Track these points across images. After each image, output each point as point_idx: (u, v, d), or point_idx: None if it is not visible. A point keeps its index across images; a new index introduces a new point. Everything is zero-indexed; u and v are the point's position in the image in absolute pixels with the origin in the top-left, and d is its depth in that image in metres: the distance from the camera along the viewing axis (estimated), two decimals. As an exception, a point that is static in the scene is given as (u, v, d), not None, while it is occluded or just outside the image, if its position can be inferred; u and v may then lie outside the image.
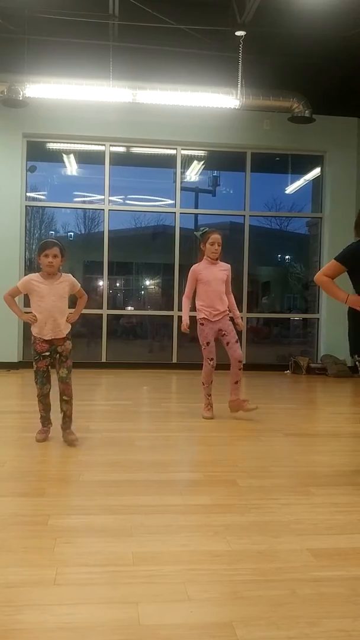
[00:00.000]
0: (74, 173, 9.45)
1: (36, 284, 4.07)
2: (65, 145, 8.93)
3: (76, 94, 7.16)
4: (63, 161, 9.21)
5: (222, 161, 9.57)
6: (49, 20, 6.47)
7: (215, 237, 5.05)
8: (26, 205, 8.68)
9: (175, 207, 9.02)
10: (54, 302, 4.06)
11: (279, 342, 10.16)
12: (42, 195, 9.31)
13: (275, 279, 10.87)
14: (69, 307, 4.18)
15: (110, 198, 8.90)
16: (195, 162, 9.27)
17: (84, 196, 9.43)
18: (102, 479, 3.33)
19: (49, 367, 4.13)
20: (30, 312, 4.09)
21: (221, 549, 2.38)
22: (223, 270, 5.14)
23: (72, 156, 9.15)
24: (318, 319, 9.23)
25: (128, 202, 9.43)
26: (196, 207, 9.58)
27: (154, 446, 4.18)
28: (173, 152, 8.94)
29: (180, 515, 2.76)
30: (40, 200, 9.28)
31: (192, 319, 5.14)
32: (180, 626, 1.81)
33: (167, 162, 9.04)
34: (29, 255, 8.73)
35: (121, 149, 9.02)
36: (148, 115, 8.19)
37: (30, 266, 8.41)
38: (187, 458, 4.03)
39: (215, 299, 5.06)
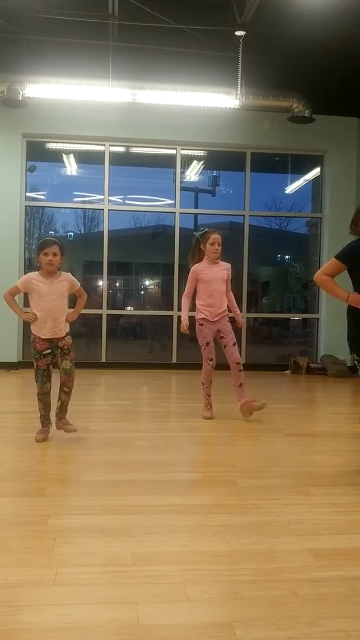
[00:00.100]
0: (74, 173, 9.44)
1: (36, 283, 4.07)
2: (65, 145, 8.93)
3: (76, 94, 7.16)
4: (63, 161, 9.21)
5: (222, 161, 9.57)
6: (49, 20, 6.47)
7: (215, 237, 5.04)
8: (26, 205, 8.68)
9: (175, 207, 9.01)
10: (54, 301, 4.06)
11: (279, 342, 10.16)
12: (42, 195, 9.31)
13: (275, 279, 10.88)
14: (68, 307, 4.18)
15: (110, 198, 8.89)
16: (195, 162, 9.27)
17: (83, 196, 9.43)
18: (102, 479, 3.33)
19: (50, 365, 4.14)
20: (30, 311, 4.09)
21: (221, 549, 2.38)
22: (224, 269, 5.13)
23: (71, 156, 9.15)
24: (318, 319, 9.23)
25: (128, 202, 9.43)
26: (196, 207, 9.59)
27: (154, 446, 4.18)
28: (173, 152, 8.93)
29: (180, 515, 2.76)
30: (40, 200, 9.27)
31: (192, 320, 5.13)
32: (180, 626, 1.81)
33: (166, 162, 9.04)
34: (28, 255, 8.73)
35: (121, 149, 9.02)
36: (148, 115, 8.19)
37: (30, 266, 8.41)
38: (186, 458, 4.03)
39: (216, 299, 5.05)
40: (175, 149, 8.89)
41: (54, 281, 4.08)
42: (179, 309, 8.57)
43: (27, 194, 8.74)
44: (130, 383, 7.47)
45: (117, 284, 10.32)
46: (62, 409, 4.14)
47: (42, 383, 4.14)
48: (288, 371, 8.73)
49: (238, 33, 6.59)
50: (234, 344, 5.05)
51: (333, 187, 8.99)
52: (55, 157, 9.12)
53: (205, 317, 5.05)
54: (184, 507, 2.89)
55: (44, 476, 3.43)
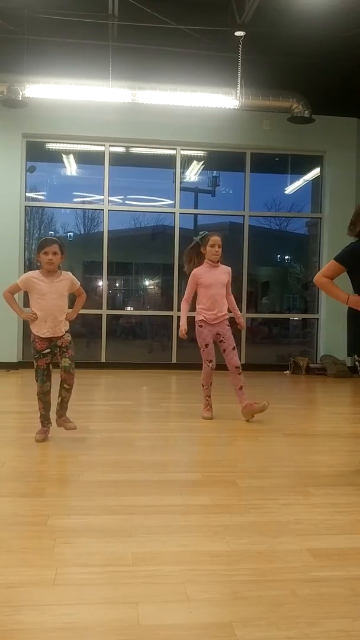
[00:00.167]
0: (74, 173, 9.44)
1: (36, 282, 4.07)
2: (65, 145, 8.93)
3: (76, 94, 7.16)
4: (62, 161, 9.21)
5: (222, 161, 9.57)
6: (49, 21, 6.47)
7: (215, 239, 5.04)
8: (25, 206, 8.68)
9: (174, 207, 9.01)
10: (54, 300, 4.06)
11: (279, 342, 10.16)
12: (42, 195, 9.31)
13: (275, 279, 10.88)
14: (68, 306, 4.19)
15: (110, 198, 8.89)
16: (194, 162, 9.27)
17: (83, 196, 9.43)
18: (102, 479, 3.33)
19: (50, 365, 4.14)
20: (30, 311, 4.09)
21: (221, 549, 2.38)
22: (224, 273, 5.13)
23: (71, 156, 9.15)
24: (317, 319, 9.23)
25: (127, 202, 9.43)
26: (196, 207, 9.59)
27: (154, 446, 4.18)
28: (172, 152, 8.93)
29: (180, 515, 2.76)
30: (39, 200, 9.28)
31: (191, 325, 5.10)
32: (180, 626, 1.81)
33: (166, 163, 9.04)
34: (28, 256, 8.73)
35: (121, 149, 9.02)
36: (147, 115, 8.19)
37: (30, 266, 8.40)
38: (186, 458, 4.03)
39: (216, 303, 5.04)
40: (175, 149, 8.89)
41: (54, 280, 4.09)
42: (179, 310, 8.58)
43: (27, 194, 8.74)
44: (130, 383, 7.47)
45: (117, 284, 10.32)
46: (63, 406, 4.14)
47: (42, 382, 4.14)
48: (288, 371, 8.73)
49: (238, 33, 6.59)
50: (233, 349, 5.04)
51: (333, 187, 8.99)
52: (55, 158, 9.13)
53: (204, 319, 5.04)
54: (183, 507, 2.89)
55: (43, 476, 3.43)
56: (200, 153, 9.20)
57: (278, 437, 4.50)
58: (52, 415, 4.24)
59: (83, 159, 9.23)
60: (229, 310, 5.15)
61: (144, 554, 2.32)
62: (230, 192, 9.93)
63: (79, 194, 9.48)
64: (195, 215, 9.60)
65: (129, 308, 10.24)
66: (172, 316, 8.87)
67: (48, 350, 4.09)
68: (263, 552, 2.37)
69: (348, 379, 8.12)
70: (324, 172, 9.16)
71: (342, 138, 8.90)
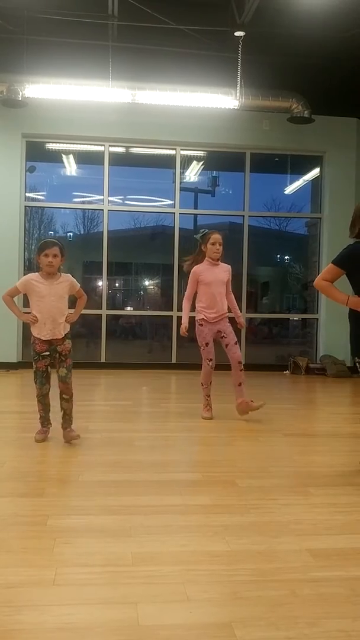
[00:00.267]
0: (73, 173, 9.44)
1: (36, 284, 4.06)
2: (65, 145, 8.93)
3: (75, 94, 7.16)
4: (62, 161, 9.21)
5: (222, 161, 9.57)
6: (48, 21, 6.47)
7: (216, 237, 5.04)
8: (25, 206, 8.67)
9: (174, 207, 9.01)
10: (54, 302, 4.05)
11: (278, 342, 10.17)
12: (42, 195, 9.31)
13: (275, 279, 10.88)
14: (68, 308, 4.18)
15: (110, 198, 8.89)
16: (194, 162, 9.27)
17: (83, 196, 9.43)
18: (102, 479, 3.33)
19: (49, 367, 4.13)
20: (30, 313, 4.09)
21: (220, 549, 2.39)
22: (224, 271, 5.13)
23: (71, 156, 9.15)
24: (317, 319, 9.23)
25: (127, 202, 9.43)
26: (195, 207, 9.58)
27: (154, 446, 4.18)
28: (172, 152, 8.93)
29: (180, 515, 2.76)
30: (39, 200, 9.27)
31: (191, 322, 5.12)
32: (180, 626, 1.81)
33: (166, 163, 9.04)
34: (28, 256, 8.73)
35: (120, 149, 9.02)
36: (147, 115, 8.19)
37: (30, 266, 8.41)
38: (186, 458, 4.03)
39: (216, 301, 5.05)
40: (175, 149, 8.89)
41: (53, 282, 4.08)
42: (179, 310, 8.55)
43: (27, 194, 8.74)
44: (130, 383, 7.47)
45: (117, 284, 10.32)
46: (66, 419, 4.11)
47: (41, 385, 4.13)
48: (287, 371, 8.73)
49: (237, 33, 6.59)
50: (235, 343, 5.06)
51: (332, 187, 8.99)
52: (55, 158, 9.12)
53: (204, 317, 5.04)
54: (183, 507, 2.89)
55: (43, 476, 3.43)
56: (200, 153, 9.20)
57: (278, 437, 4.51)
58: (52, 416, 4.24)
59: (83, 159, 9.22)
60: (229, 310, 5.16)
61: (144, 554, 2.32)
62: (230, 192, 9.94)
63: (79, 194, 9.48)
64: (195, 215, 9.60)
65: (128, 308, 10.24)
66: (172, 316, 8.87)
67: (47, 353, 4.08)
68: (263, 552, 2.37)
69: (348, 379, 8.12)
70: (323, 172, 9.16)
71: (342, 138, 8.90)
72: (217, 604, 1.97)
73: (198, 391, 5.29)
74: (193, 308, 5.16)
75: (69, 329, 4.15)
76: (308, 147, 8.94)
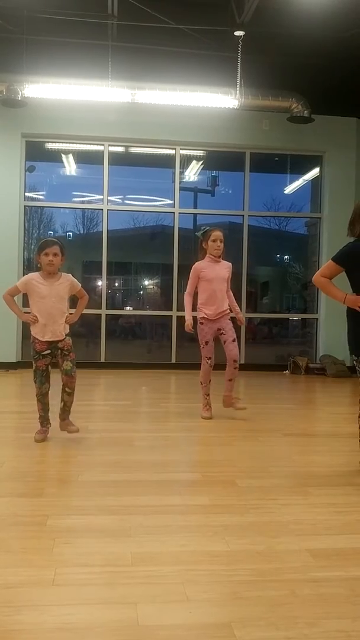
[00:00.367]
0: (73, 173, 9.44)
1: (36, 284, 4.05)
2: (64, 145, 8.93)
3: (75, 94, 7.16)
4: (62, 161, 9.21)
5: (221, 161, 9.57)
6: (48, 20, 6.47)
7: (217, 234, 5.05)
8: (25, 205, 8.67)
9: (174, 207, 9.02)
10: (54, 302, 4.05)
11: (278, 342, 10.16)
12: (41, 195, 9.31)
13: (274, 279, 10.88)
14: (68, 308, 4.18)
15: (109, 198, 8.89)
16: (194, 162, 9.27)
17: (82, 196, 9.43)
18: (101, 479, 3.33)
19: (49, 366, 4.13)
20: (30, 313, 4.08)
21: (220, 549, 2.38)
22: (225, 268, 5.14)
23: (71, 156, 9.15)
24: (317, 319, 9.24)
25: (127, 202, 9.42)
26: (195, 207, 9.58)
27: (153, 446, 4.18)
28: (172, 152, 8.93)
29: (179, 515, 2.76)
30: (39, 200, 9.27)
31: (193, 319, 5.12)
32: (179, 627, 1.81)
33: (166, 162, 9.04)
34: (27, 256, 8.73)
35: (120, 149, 9.02)
36: (147, 115, 8.19)
37: (29, 266, 8.41)
38: (186, 458, 4.03)
39: (217, 298, 5.05)
40: (175, 149, 8.89)
41: (54, 282, 4.07)
42: (179, 309, 8.56)
43: (26, 194, 8.74)
44: (130, 383, 7.47)
45: (116, 284, 10.31)
46: (65, 410, 4.13)
47: (41, 384, 4.13)
48: (287, 371, 8.73)
49: (237, 33, 6.59)
50: (234, 341, 5.06)
51: (332, 187, 9.00)
52: (55, 157, 9.12)
53: (205, 316, 5.05)
54: (183, 507, 2.89)
55: (43, 476, 3.43)
56: (200, 153, 9.20)
57: (277, 437, 4.51)
58: (52, 416, 4.24)
59: (82, 158, 9.22)
60: (229, 308, 5.16)
61: (144, 554, 2.32)
62: (230, 191, 9.94)
63: (78, 193, 9.47)
64: (195, 215, 9.60)
65: (128, 308, 10.24)
66: (172, 316, 8.87)
67: (48, 352, 4.08)
68: (262, 552, 2.37)
69: (347, 378, 8.11)
70: (323, 172, 9.16)
71: (342, 138, 8.90)
72: (216, 604, 1.96)
73: (198, 391, 5.29)
74: (194, 304, 5.16)
75: (68, 330, 4.14)
76: (308, 146, 8.94)
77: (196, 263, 5.13)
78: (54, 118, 8.24)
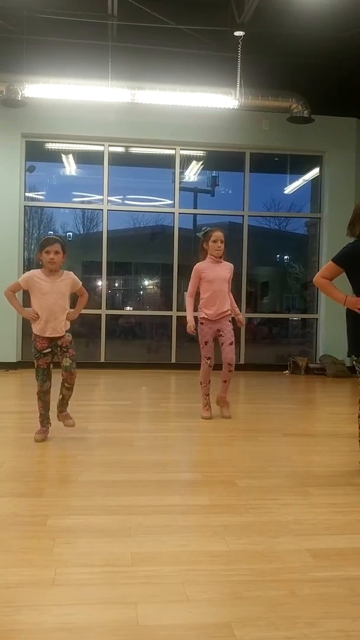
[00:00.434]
0: (73, 173, 9.44)
1: (38, 281, 4.07)
2: (64, 145, 8.93)
3: (75, 94, 7.16)
4: (62, 161, 9.20)
5: (221, 161, 9.57)
6: (48, 21, 6.47)
7: (218, 234, 5.05)
8: (25, 206, 8.67)
9: (174, 207, 9.01)
10: (56, 299, 4.06)
11: (278, 342, 10.16)
12: (41, 195, 9.31)
13: (274, 279, 10.87)
14: (69, 306, 4.19)
15: (109, 198, 8.89)
16: (194, 162, 9.26)
17: (82, 196, 9.43)
18: (101, 479, 3.33)
19: (50, 365, 4.14)
20: (32, 310, 4.09)
21: (220, 549, 2.38)
22: (226, 269, 5.13)
23: (70, 156, 9.15)
24: (317, 319, 9.23)
25: (127, 202, 9.42)
26: (195, 207, 9.58)
27: (153, 446, 4.18)
28: (172, 152, 8.93)
29: (179, 515, 2.76)
30: (39, 200, 9.27)
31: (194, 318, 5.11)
32: (179, 627, 1.81)
33: (165, 162, 9.04)
34: (27, 256, 8.73)
35: (120, 149, 9.02)
36: (147, 115, 8.19)
37: (29, 266, 8.40)
38: (185, 458, 4.03)
39: (218, 299, 5.04)
40: (175, 149, 8.89)
41: (56, 280, 4.09)
42: (179, 309, 8.56)
43: (26, 194, 8.74)
44: (130, 383, 7.47)
45: (116, 284, 10.31)
46: (63, 402, 4.17)
47: (42, 382, 4.13)
48: (287, 371, 8.73)
49: (237, 33, 6.59)
50: (231, 344, 5.05)
51: (332, 187, 8.99)
52: (55, 157, 9.12)
53: (206, 316, 5.04)
54: (183, 507, 2.89)
55: (43, 476, 3.43)
56: (200, 153, 9.20)
57: (277, 437, 4.51)
58: (52, 415, 4.24)
59: (82, 158, 9.22)
60: (230, 310, 5.16)
61: (143, 554, 2.32)
62: (230, 192, 9.93)
63: (78, 193, 9.47)
64: (195, 215, 9.59)
65: (128, 308, 10.24)
66: (172, 316, 8.87)
67: (49, 350, 4.09)
68: (262, 552, 2.37)
69: (347, 379, 8.11)
70: (323, 172, 9.16)
71: (342, 138, 8.90)
72: (216, 604, 1.96)
73: (197, 391, 5.29)
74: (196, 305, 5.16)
75: (69, 327, 4.16)
76: (308, 147, 8.94)
77: (197, 264, 5.12)
78: (54, 118, 8.24)
